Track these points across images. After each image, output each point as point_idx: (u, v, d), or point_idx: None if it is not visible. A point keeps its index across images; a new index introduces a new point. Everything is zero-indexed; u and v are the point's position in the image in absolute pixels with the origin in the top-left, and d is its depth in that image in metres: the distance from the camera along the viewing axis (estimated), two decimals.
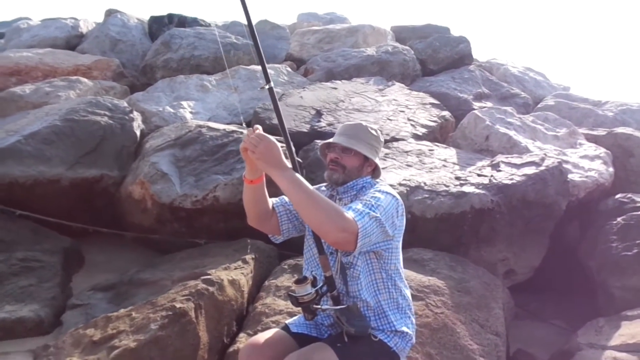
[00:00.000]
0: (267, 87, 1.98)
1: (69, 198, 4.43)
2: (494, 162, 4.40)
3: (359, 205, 1.85)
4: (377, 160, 2.15)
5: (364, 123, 2.23)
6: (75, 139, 4.60)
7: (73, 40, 8.52)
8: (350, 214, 1.78)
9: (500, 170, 4.22)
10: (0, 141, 4.51)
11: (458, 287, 3.19)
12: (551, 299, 4.35)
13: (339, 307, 1.96)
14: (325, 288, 1.97)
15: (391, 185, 4.13)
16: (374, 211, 1.84)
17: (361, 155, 2.11)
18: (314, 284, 1.92)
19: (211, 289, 2.74)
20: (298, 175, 1.83)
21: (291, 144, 1.97)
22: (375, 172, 2.19)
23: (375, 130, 2.20)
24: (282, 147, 1.89)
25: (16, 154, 4.30)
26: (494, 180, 4.06)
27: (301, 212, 1.83)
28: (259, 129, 1.88)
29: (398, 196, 2.03)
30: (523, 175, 4.07)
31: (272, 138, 1.83)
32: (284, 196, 2.14)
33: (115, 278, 3.65)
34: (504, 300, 3.35)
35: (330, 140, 2.16)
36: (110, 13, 9.12)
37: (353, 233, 1.76)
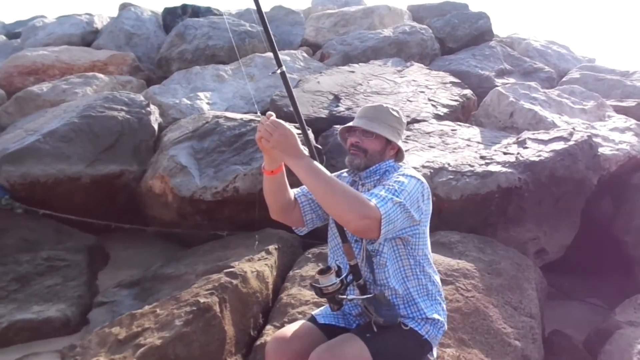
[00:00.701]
0: (278, 71, 1.88)
1: (90, 195, 4.44)
2: (520, 139, 4.25)
3: (381, 191, 1.77)
4: (399, 143, 2.05)
5: (384, 104, 2.12)
6: (93, 135, 4.59)
7: (88, 37, 8.53)
8: (372, 201, 1.71)
9: (526, 147, 4.07)
10: (20, 141, 4.53)
11: (488, 269, 3.08)
12: (585, 277, 4.21)
13: (365, 296, 1.88)
14: (350, 277, 1.89)
15: (414, 168, 4.04)
16: (397, 196, 1.76)
17: (383, 138, 2.02)
18: (338, 274, 1.84)
19: (235, 281, 2.69)
20: (316, 162, 1.76)
21: (307, 129, 1.89)
22: (399, 155, 2.09)
23: (397, 112, 2.09)
24: (298, 134, 1.81)
25: (36, 153, 4.31)
26: (521, 158, 3.91)
27: (320, 200, 1.75)
28: (273, 115, 1.79)
29: (423, 179, 1.93)
30: (551, 151, 3.91)
31: (288, 125, 1.75)
32: (304, 186, 2.06)
33: (140, 274, 3.64)
34: (536, 281, 3.23)
35: (350, 123, 2.06)
36: (124, 7, 9.11)
37: (376, 220, 1.68)
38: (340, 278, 1.84)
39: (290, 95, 1.87)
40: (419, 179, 1.90)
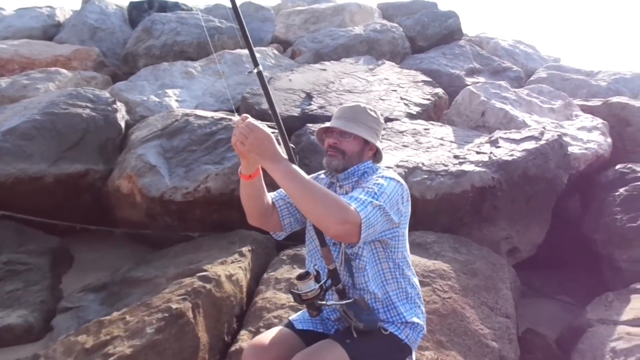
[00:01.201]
0: (255, 70, 1.82)
1: (53, 195, 4.25)
2: (492, 139, 4.28)
3: (361, 195, 1.73)
4: (378, 144, 2.02)
5: (362, 104, 2.08)
6: (56, 133, 4.40)
7: (50, 30, 8.22)
8: (352, 205, 1.67)
9: (499, 147, 4.10)
10: None
11: (464, 269, 3.09)
12: (556, 275, 4.28)
13: (345, 301, 1.84)
14: (329, 282, 1.84)
15: (388, 167, 4.02)
16: (377, 199, 1.73)
17: (361, 139, 1.98)
18: (317, 279, 1.80)
19: (208, 286, 2.60)
20: (294, 166, 1.71)
21: (284, 130, 1.81)
22: (377, 156, 2.06)
23: (375, 112, 2.06)
24: (274, 133, 1.75)
25: None
26: (494, 157, 3.94)
27: (299, 205, 1.70)
28: (249, 117, 1.72)
29: (402, 181, 1.90)
30: (523, 150, 3.96)
31: (264, 127, 1.69)
32: (281, 189, 2.00)
33: (107, 277, 3.50)
34: (510, 280, 3.26)
35: (328, 124, 2.01)
36: (87, 0, 8.81)
37: (355, 224, 1.64)
38: (320, 284, 1.79)
39: (267, 95, 1.81)
40: (398, 181, 1.87)
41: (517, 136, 4.20)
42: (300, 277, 1.79)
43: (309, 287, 1.76)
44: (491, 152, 4.02)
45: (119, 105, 4.98)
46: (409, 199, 1.92)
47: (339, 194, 1.96)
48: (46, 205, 4.24)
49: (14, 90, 5.53)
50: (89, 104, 4.72)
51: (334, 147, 1.98)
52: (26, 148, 4.21)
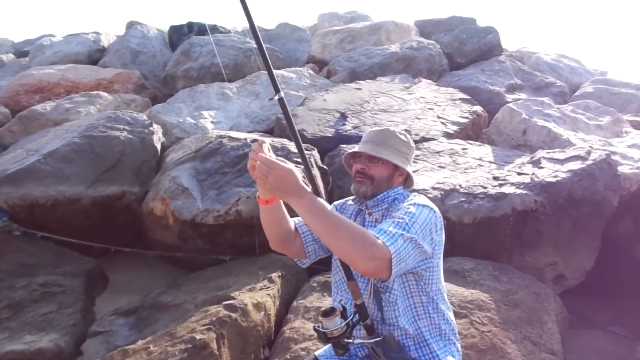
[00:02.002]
0: (276, 97, 1.72)
1: (90, 217, 4.31)
2: (534, 159, 4.07)
3: (390, 227, 1.62)
4: (408, 168, 1.92)
5: (391, 128, 1.98)
6: (94, 155, 4.48)
7: (95, 55, 8.52)
8: (380, 238, 1.56)
9: (542, 167, 3.90)
10: (20, 161, 4.44)
11: (505, 300, 2.90)
12: (607, 304, 3.99)
13: (373, 339, 1.72)
14: (357, 317, 1.73)
15: (424, 190, 3.88)
16: (408, 231, 1.62)
17: (390, 164, 1.88)
18: (343, 315, 1.69)
19: (234, 315, 2.53)
20: (319, 199, 1.61)
21: (309, 162, 1.73)
22: (408, 181, 1.96)
23: (405, 135, 1.96)
24: (297, 164, 1.67)
25: (36, 174, 4.21)
26: (536, 179, 3.74)
27: (325, 241, 1.60)
28: (265, 143, 1.64)
29: (435, 208, 1.79)
30: (568, 171, 3.74)
31: (284, 164, 1.61)
32: None
33: (138, 301, 3.48)
34: (556, 311, 3.04)
35: (356, 148, 1.92)
36: (131, 25, 9.12)
37: (385, 260, 1.53)
38: (346, 320, 1.68)
39: (289, 122, 1.72)
40: (431, 208, 1.76)
41: (561, 156, 3.98)
42: (326, 314, 1.68)
43: (335, 324, 1.66)
44: (533, 173, 3.82)
45: (156, 127, 5.05)
46: (443, 226, 1.80)
47: (368, 222, 1.90)
48: (83, 226, 4.30)
49: (57, 114, 5.71)
50: (126, 127, 4.81)
51: (362, 173, 1.89)
52: (65, 170, 4.31)
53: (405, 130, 2.05)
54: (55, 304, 3.41)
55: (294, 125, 1.72)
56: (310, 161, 4.15)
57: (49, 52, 8.46)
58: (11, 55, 9.34)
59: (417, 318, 1.80)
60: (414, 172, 4.08)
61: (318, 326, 1.69)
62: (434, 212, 1.76)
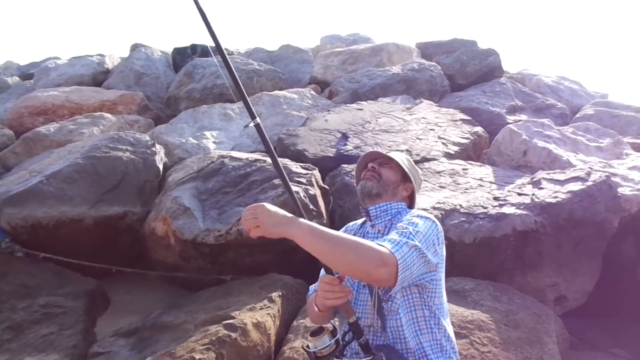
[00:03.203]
0: (251, 124, 1.70)
1: (93, 237, 4.33)
2: (534, 179, 4.09)
3: (393, 235, 1.65)
4: (414, 186, 2.01)
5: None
6: (97, 176, 4.52)
7: (99, 77, 8.63)
8: (385, 245, 1.58)
9: (542, 188, 3.91)
10: (23, 182, 4.48)
11: (505, 320, 2.89)
12: (609, 325, 3.96)
13: (367, 358, 1.72)
14: (350, 335, 1.73)
15: (424, 210, 3.89)
16: (412, 239, 1.64)
17: (399, 171, 1.98)
18: (333, 334, 1.69)
19: (234, 335, 2.53)
20: (312, 223, 1.62)
21: (289, 184, 1.73)
22: (411, 200, 2.02)
23: (413, 162, 2.09)
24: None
25: (38, 195, 4.24)
26: (537, 199, 3.75)
27: (331, 258, 1.60)
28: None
29: (437, 222, 1.82)
30: (568, 192, 3.75)
31: (266, 204, 1.63)
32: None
33: (139, 322, 3.48)
34: (557, 333, 3.02)
35: (371, 150, 2.07)
36: (135, 47, 9.25)
37: (392, 265, 1.55)
38: (335, 338, 1.68)
39: (267, 148, 1.73)
40: (433, 221, 1.79)
41: (561, 177, 4.00)
42: (314, 334, 1.68)
43: (323, 343, 1.65)
44: (534, 194, 3.83)
45: (158, 147, 5.10)
46: (444, 241, 1.82)
47: (371, 235, 1.92)
48: (85, 247, 4.31)
49: (61, 135, 5.77)
50: (129, 147, 4.85)
51: (372, 170, 1.97)
52: (68, 191, 4.34)
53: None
54: (56, 325, 3.41)
55: (272, 149, 1.74)
56: (311, 180, 4.18)
57: (53, 75, 8.58)
58: (16, 78, 9.47)
59: (419, 332, 1.78)
60: None
61: (307, 346, 1.69)
62: (437, 225, 1.79)
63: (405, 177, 1.99)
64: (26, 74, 9.73)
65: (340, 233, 1.64)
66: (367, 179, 1.95)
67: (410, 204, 2.01)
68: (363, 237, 1.90)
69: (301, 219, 1.61)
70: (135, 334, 3.34)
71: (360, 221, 2.04)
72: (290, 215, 1.61)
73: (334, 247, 1.56)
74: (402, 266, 1.56)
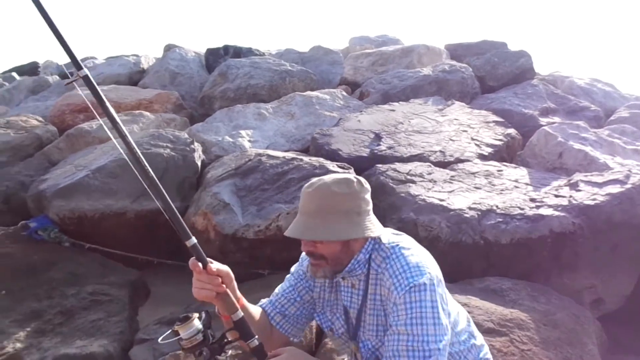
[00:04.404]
0: (76, 77, 1.41)
1: (134, 230, 4.49)
2: (571, 181, 4.09)
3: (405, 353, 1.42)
4: (364, 232, 1.55)
5: (327, 179, 1.59)
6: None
7: (135, 76, 8.87)
8: None
9: (579, 190, 3.91)
10: (70, 176, 4.66)
11: (544, 320, 2.92)
12: None
13: None
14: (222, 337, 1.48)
15: (460, 210, 3.92)
16: (432, 357, 1.42)
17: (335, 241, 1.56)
18: (205, 325, 1.46)
19: None
20: None
21: (143, 162, 1.50)
22: (369, 231, 1.57)
23: (346, 183, 1.57)
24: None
25: (85, 189, 4.42)
26: (574, 201, 3.76)
27: None
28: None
29: (429, 265, 1.53)
30: (607, 194, 3.75)
31: (284, 356, 1.50)
32: (273, 296, 1.83)
33: (181, 311, 3.60)
34: (596, 334, 3.04)
35: (288, 230, 1.60)
36: (169, 48, 9.47)
37: None
38: (204, 331, 1.45)
39: (98, 99, 1.46)
40: (425, 280, 1.47)
41: (599, 179, 3.99)
42: (181, 320, 1.46)
43: (189, 332, 1.43)
44: (571, 196, 3.84)
45: (196, 145, 5.24)
46: (442, 280, 1.57)
47: (344, 288, 1.66)
48: (127, 239, 4.48)
49: (103, 132, 5.95)
50: (169, 145, 5.01)
51: (310, 254, 1.59)
52: (112, 185, 4.51)
53: (346, 177, 1.60)
54: (104, 311, 3.56)
55: (103, 97, 1.48)
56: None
57: (92, 74, 8.82)
58: (56, 77, 9.78)
59: None
60: (450, 192, 4.14)
61: (175, 332, 1.45)
62: (431, 279, 1.49)
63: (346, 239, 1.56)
64: (65, 73, 10.03)
65: None
66: (314, 266, 1.61)
67: (376, 238, 1.61)
68: (334, 290, 1.70)
69: None
70: None
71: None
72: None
73: None
74: None
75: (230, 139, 5.84)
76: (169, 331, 1.46)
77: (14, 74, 11.03)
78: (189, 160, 4.95)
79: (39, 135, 6.27)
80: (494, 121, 6.00)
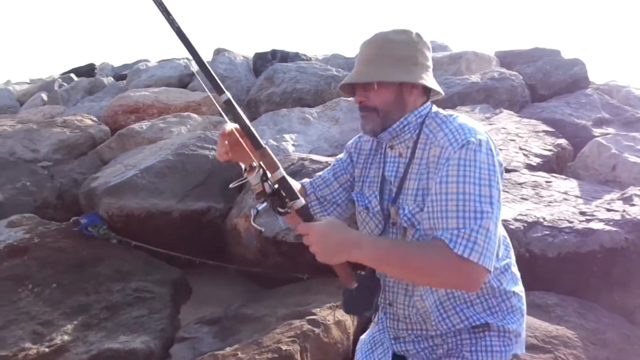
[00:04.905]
0: (223, 99, 1.46)
1: (178, 229, 4.60)
2: (625, 195, 3.91)
3: (452, 221, 1.31)
4: (420, 79, 1.47)
5: (385, 30, 1.53)
6: (185, 172, 4.80)
7: (185, 79, 9.13)
8: (455, 249, 1.28)
9: (634, 205, 3.74)
10: (120, 175, 4.83)
11: (592, 338, 2.80)
12: None
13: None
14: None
15: (505, 221, 3.81)
16: (484, 217, 1.30)
17: (390, 83, 1.49)
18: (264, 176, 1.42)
19: (317, 330, 2.62)
20: (378, 240, 1.43)
21: (253, 132, 1.47)
22: (427, 93, 1.55)
23: (405, 32, 1.50)
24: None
25: (133, 187, 4.56)
26: (628, 216, 3.59)
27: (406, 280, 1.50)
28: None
29: (484, 133, 1.42)
30: None
31: (317, 220, 1.38)
32: (317, 177, 1.80)
33: (221, 312, 3.66)
34: None
35: (342, 82, 1.58)
36: (218, 52, 9.70)
37: (479, 274, 1.29)
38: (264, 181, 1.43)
39: (240, 122, 1.49)
40: (484, 141, 1.38)
41: None
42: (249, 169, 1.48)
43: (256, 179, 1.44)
44: (624, 210, 3.67)
45: None
46: (497, 149, 1.45)
47: (390, 159, 1.59)
48: (170, 238, 4.59)
49: (152, 133, 6.15)
50: (214, 147, 5.10)
51: (362, 107, 1.54)
52: (159, 185, 4.64)
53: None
54: (147, 308, 3.65)
55: (246, 122, 1.50)
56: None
57: (144, 76, 9.17)
58: (111, 79, 10.20)
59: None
60: None
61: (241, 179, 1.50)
62: (489, 142, 1.40)
63: (401, 82, 1.48)
64: (119, 74, 10.46)
65: (404, 251, 1.35)
66: (363, 118, 1.55)
67: (432, 97, 1.58)
68: (380, 164, 1.62)
69: (363, 241, 1.35)
70: (217, 323, 3.51)
71: (371, 142, 1.68)
72: (349, 237, 1.35)
73: (406, 274, 1.40)
74: (487, 263, 1.29)
75: (275, 143, 5.90)
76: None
77: (72, 75, 11.56)
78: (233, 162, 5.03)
79: (92, 135, 6.53)
80: (543, 131, 5.81)
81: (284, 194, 1.42)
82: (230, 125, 1.53)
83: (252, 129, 1.47)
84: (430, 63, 1.55)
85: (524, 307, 1.63)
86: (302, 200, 1.40)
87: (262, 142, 1.45)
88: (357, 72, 1.52)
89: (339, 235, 1.33)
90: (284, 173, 1.44)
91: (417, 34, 1.52)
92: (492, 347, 1.51)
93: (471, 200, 1.31)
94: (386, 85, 1.48)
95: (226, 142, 1.52)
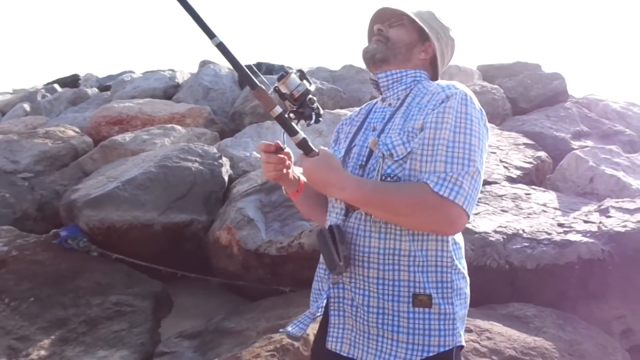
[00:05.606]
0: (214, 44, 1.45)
1: (160, 242, 4.57)
2: (602, 207, 3.99)
3: (440, 165, 1.34)
4: (437, 47, 1.56)
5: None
6: (167, 184, 4.77)
7: (170, 90, 9.11)
8: (439, 192, 1.31)
9: (610, 216, 3.81)
10: (101, 187, 4.79)
11: (569, 349, 2.83)
12: None
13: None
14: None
15: (485, 233, 3.86)
16: (469, 164, 1.34)
17: (414, 29, 1.56)
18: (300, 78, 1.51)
19: (297, 344, 2.62)
20: (365, 182, 1.42)
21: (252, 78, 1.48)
22: (434, 67, 1.60)
23: (434, 15, 1.61)
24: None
25: (114, 200, 4.52)
26: (604, 228, 3.66)
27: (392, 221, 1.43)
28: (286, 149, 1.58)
29: (472, 94, 1.47)
30: (638, 221, 3.64)
31: (311, 160, 1.45)
32: None
33: (201, 325, 3.64)
34: None
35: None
36: (204, 64, 9.70)
37: (461, 217, 1.34)
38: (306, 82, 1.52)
39: (233, 62, 1.49)
40: (477, 104, 1.45)
41: (630, 205, 3.88)
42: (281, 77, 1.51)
43: (294, 84, 1.51)
44: (601, 222, 3.74)
45: (224, 160, 5.33)
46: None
47: (380, 110, 1.62)
48: (152, 251, 4.56)
49: (135, 145, 6.11)
50: (197, 159, 5.10)
51: (378, 34, 1.58)
52: (141, 197, 4.61)
53: None
54: (126, 322, 3.62)
55: (238, 61, 1.49)
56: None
57: (129, 87, 9.13)
58: (95, 89, 10.13)
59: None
60: (476, 214, 4.08)
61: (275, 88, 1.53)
62: (482, 109, 1.47)
63: (422, 36, 1.56)
64: (104, 85, 10.40)
65: (387, 197, 1.37)
66: (373, 43, 1.59)
67: (433, 73, 1.62)
68: (370, 113, 1.65)
69: (347, 183, 1.39)
70: (198, 336, 3.50)
71: (368, 105, 1.73)
72: (334, 178, 1.41)
73: (388, 215, 1.40)
74: (469, 208, 1.34)
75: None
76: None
77: (56, 86, 11.47)
78: (216, 174, 5.03)
79: (75, 146, 6.47)
80: (524, 143, 5.91)
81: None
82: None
83: (247, 70, 1.50)
84: (446, 59, 1.64)
85: (468, 300, 1.57)
86: (301, 134, 1.49)
87: (257, 82, 1.49)
88: (395, 6, 1.59)
89: (326, 175, 1.41)
90: (280, 110, 1.50)
91: (446, 20, 1.62)
92: (431, 329, 1.41)
93: (461, 148, 1.35)
94: (409, 29, 1.56)
95: (280, 165, 1.66)
